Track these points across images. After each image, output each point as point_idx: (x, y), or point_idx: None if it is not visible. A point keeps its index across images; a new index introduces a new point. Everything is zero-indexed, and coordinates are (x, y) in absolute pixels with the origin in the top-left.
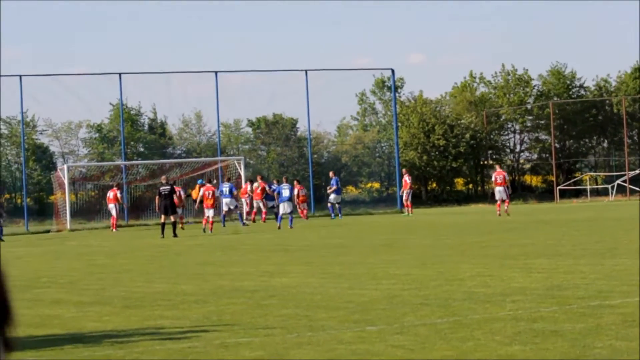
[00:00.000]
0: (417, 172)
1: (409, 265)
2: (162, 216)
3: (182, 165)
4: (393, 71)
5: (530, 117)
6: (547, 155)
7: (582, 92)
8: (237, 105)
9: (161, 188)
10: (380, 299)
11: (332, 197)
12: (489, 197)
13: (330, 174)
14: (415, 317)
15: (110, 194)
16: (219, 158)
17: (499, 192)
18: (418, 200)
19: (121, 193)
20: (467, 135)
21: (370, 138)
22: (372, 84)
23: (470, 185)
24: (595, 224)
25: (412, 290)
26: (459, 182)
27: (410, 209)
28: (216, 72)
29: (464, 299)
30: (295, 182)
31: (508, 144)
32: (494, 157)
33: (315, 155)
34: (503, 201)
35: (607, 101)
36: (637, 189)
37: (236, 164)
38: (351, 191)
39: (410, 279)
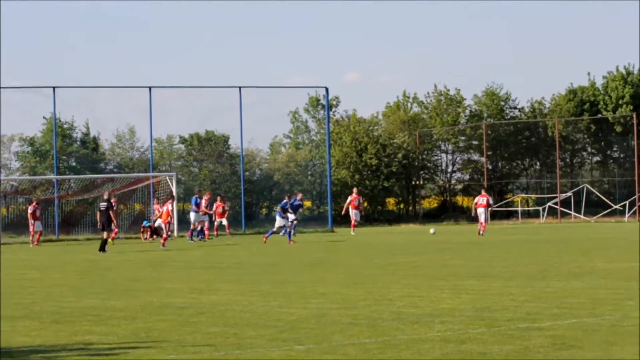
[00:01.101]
0: (349, 191)
1: (339, 284)
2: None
3: (114, 180)
4: (327, 89)
5: (463, 138)
6: (479, 176)
7: (516, 113)
8: (171, 121)
9: (100, 204)
10: (309, 318)
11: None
12: (420, 217)
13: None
14: (343, 336)
15: (30, 209)
16: (151, 174)
17: (481, 213)
18: (349, 219)
19: (39, 209)
20: (400, 155)
21: (302, 156)
22: (307, 102)
23: (402, 205)
24: (526, 245)
25: (341, 309)
26: (391, 202)
27: (353, 228)
28: (150, 88)
29: (392, 319)
30: (218, 198)
31: (440, 164)
32: (426, 177)
33: (247, 173)
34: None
35: (541, 123)
36: (568, 211)
37: (168, 180)
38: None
39: (340, 298)
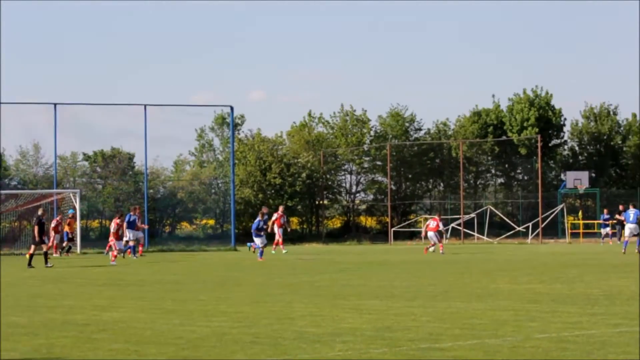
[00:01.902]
0: (252, 210)
1: (241, 302)
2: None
3: (18, 196)
4: (232, 108)
5: (368, 158)
6: (383, 196)
7: (421, 134)
8: (75, 138)
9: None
10: (211, 336)
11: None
12: (323, 237)
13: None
14: (245, 355)
15: None
16: (55, 190)
17: (431, 237)
18: (252, 238)
19: None
20: (304, 175)
21: (207, 174)
22: (212, 121)
23: (305, 225)
24: (429, 266)
25: (242, 328)
26: (294, 221)
27: (282, 246)
28: (55, 104)
29: (294, 338)
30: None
31: (344, 184)
32: (330, 197)
33: (151, 190)
34: (434, 244)
35: (445, 144)
36: (472, 232)
37: (72, 197)
38: (185, 227)
39: (242, 317)
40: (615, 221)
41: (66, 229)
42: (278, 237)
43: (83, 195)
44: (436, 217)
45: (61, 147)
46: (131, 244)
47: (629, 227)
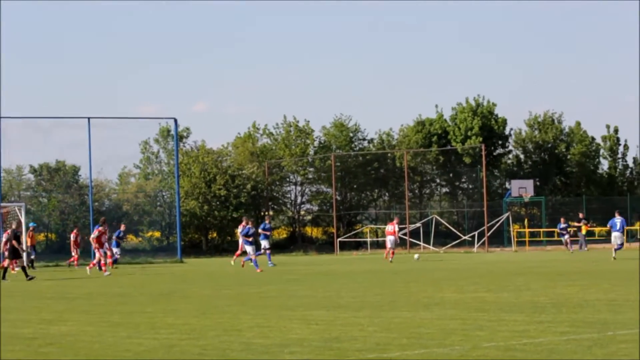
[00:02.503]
0: (198, 222)
1: (188, 314)
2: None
3: None
4: (176, 120)
5: (312, 169)
6: (328, 207)
7: (365, 144)
8: (20, 152)
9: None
10: (158, 349)
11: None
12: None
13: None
14: None
15: None
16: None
17: (390, 240)
18: (198, 250)
19: None
20: (249, 186)
21: (152, 187)
22: (157, 133)
23: None
24: (375, 276)
25: (190, 340)
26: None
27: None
28: None
29: (242, 349)
30: (76, 229)
31: (289, 195)
32: (275, 208)
33: (97, 203)
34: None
35: (389, 154)
36: (417, 242)
37: (17, 211)
38: (131, 240)
39: (189, 329)
40: (575, 228)
41: (28, 242)
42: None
43: (28, 209)
44: (394, 221)
45: (5, 160)
46: (117, 256)
47: (614, 236)
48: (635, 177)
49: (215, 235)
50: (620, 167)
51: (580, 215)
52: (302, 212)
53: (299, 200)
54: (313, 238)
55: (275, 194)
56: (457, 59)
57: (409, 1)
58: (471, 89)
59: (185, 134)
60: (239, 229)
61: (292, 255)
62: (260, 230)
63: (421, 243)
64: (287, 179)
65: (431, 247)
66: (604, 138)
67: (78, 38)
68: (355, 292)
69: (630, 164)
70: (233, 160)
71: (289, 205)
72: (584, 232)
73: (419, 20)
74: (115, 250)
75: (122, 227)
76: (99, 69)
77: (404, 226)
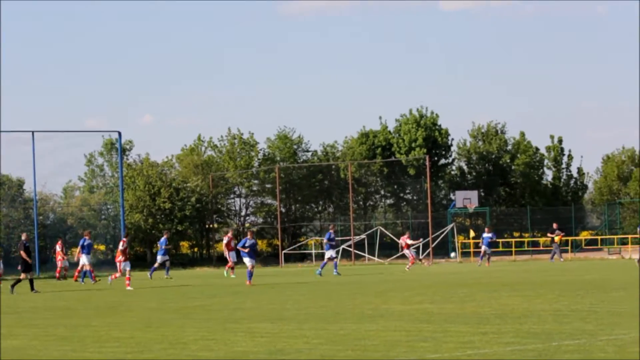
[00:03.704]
0: (142, 234)
1: (134, 328)
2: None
3: None
4: (120, 133)
5: (257, 181)
6: (273, 219)
7: (309, 156)
8: None
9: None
10: None
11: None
12: (214, 261)
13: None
14: None
15: None
16: None
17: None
18: (143, 263)
19: None
20: (193, 199)
21: (96, 200)
22: (101, 146)
23: (196, 249)
24: (320, 288)
25: (135, 353)
26: (185, 245)
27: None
28: None
29: None
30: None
31: (234, 208)
32: (220, 220)
33: (41, 217)
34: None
35: (334, 166)
36: (362, 253)
37: None
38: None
39: (134, 342)
40: (560, 237)
41: None
42: (231, 260)
43: None
44: (407, 234)
45: None
46: (87, 268)
47: None
48: (579, 187)
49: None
50: (564, 177)
51: (554, 226)
52: (247, 225)
53: (243, 213)
54: (258, 250)
55: (219, 206)
56: (400, 70)
57: (352, 13)
58: (415, 100)
59: (129, 147)
60: (225, 241)
61: (237, 267)
62: (325, 240)
63: (366, 255)
64: (232, 191)
65: (376, 258)
66: (548, 148)
67: (21, 50)
68: (300, 304)
69: (575, 174)
70: (178, 173)
71: (233, 218)
72: (558, 242)
73: (362, 31)
74: (85, 261)
75: (87, 236)
76: (43, 82)
77: (346, 237)
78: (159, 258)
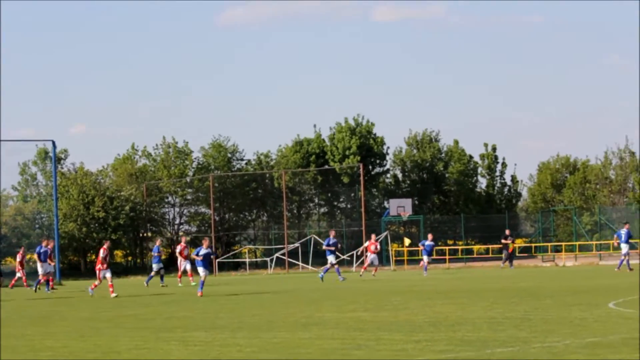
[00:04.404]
0: (77, 244)
1: (67, 337)
2: None
3: None
4: (54, 142)
5: (191, 190)
6: (207, 227)
7: (243, 165)
8: None
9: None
10: None
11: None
12: (148, 269)
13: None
14: None
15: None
16: None
17: (372, 258)
18: (77, 272)
19: None
20: (127, 208)
21: (30, 209)
22: (35, 155)
23: (130, 258)
24: (254, 297)
25: None
26: (118, 254)
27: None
28: None
29: None
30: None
31: (168, 216)
32: (154, 229)
33: None
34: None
35: (268, 175)
36: (296, 262)
37: None
38: (10, 262)
39: (68, 352)
40: (509, 243)
41: None
42: (180, 267)
43: None
44: (373, 238)
45: None
46: (40, 278)
47: (622, 246)
48: (513, 195)
49: (94, 257)
50: (498, 185)
51: (507, 232)
52: (181, 233)
53: (177, 221)
54: (192, 259)
55: (153, 215)
56: (335, 79)
57: (286, 22)
58: (352, 109)
59: (63, 156)
60: (178, 249)
61: (171, 276)
62: (324, 247)
63: (300, 263)
64: (166, 200)
65: (310, 267)
66: (482, 156)
67: None
68: (234, 312)
69: (509, 182)
70: (112, 182)
71: (167, 226)
72: (510, 249)
73: (297, 39)
74: (43, 269)
75: (45, 243)
76: None
77: (280, 245)
78: (155, 266)
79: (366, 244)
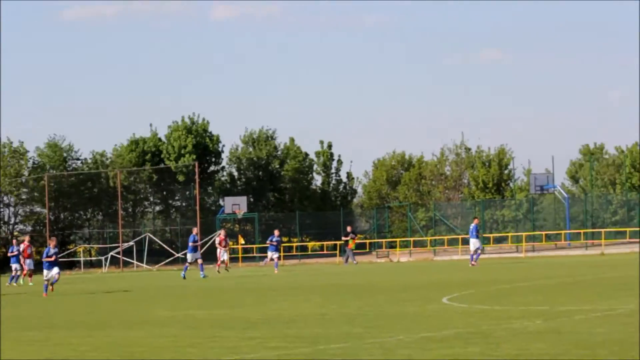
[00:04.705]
0: None
1: None
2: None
3: None
4: None
5: (26, 190)
6: (42, 227)
7: (79, 164)
8: None
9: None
10: None
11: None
12: None
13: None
14: None
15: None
16: None
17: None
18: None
19: None
20: None
21: None
22: None
23: None
24: (88, 296)
25: None
26: None
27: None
28: None
29: None
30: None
31: (3, 217)
32: None
33: None
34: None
35: (103, 174)
36: (131, 260)
37: None
38: None
39: None
40: (354, 240)
41: None
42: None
43: None
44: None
45: None
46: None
47: (472, 241)
48: (348, 192)
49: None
50: (333, 182)
51: (348, 229)
52: (16, 233)
53: (12, 221)
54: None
55: None
56: (172, 77)
57: (122, 18)
58: (189, 107)
59: None
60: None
61: (5, 276)
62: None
63: (134, 261)
64: (0, 200)
65: (144, 265)
66: (317, 154)
67: None
68: (68, 312)
69: (344, 179)
70: None
71: (2, 226)
72: (352, 246)
73: (132, 38)
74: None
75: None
76: None
77: (115, 244)
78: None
79: (217, 240)
